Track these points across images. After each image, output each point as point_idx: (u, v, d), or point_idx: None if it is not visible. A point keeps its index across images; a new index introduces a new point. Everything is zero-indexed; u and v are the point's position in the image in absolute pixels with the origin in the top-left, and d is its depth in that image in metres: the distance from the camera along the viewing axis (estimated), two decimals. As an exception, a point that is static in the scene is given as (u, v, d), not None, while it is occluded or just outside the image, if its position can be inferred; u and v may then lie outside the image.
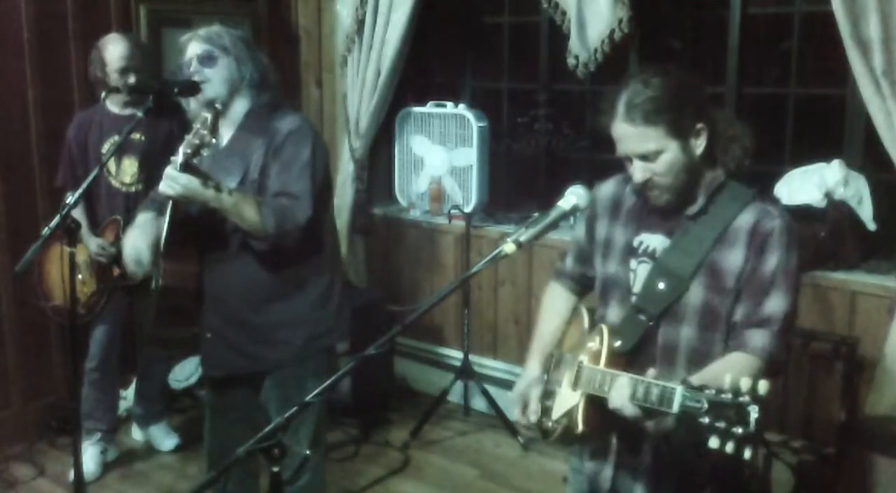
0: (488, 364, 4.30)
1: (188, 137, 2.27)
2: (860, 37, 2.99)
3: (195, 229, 2.49)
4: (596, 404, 1.86)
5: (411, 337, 4.52)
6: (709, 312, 1.86)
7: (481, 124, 4.34)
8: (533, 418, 2.02)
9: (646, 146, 1.82)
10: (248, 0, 4.65)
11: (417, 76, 4.60)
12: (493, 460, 3.89)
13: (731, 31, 3.65)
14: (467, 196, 4.39)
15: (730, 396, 1.51)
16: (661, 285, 1.88)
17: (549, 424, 2.03)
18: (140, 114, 2.60)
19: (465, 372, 4.16)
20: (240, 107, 2.53)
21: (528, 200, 4.40)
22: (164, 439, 3.92)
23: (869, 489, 2.95)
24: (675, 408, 1.59)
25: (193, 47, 2.51)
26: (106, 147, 3.50)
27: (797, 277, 1.86)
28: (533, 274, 4.14)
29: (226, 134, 2.55)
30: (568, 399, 1.94)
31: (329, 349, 2.68)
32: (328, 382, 1.71)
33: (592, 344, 1.93)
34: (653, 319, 1.89)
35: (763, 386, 1.49)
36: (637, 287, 1.95)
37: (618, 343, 1.90)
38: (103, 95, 3.52)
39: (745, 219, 1.85)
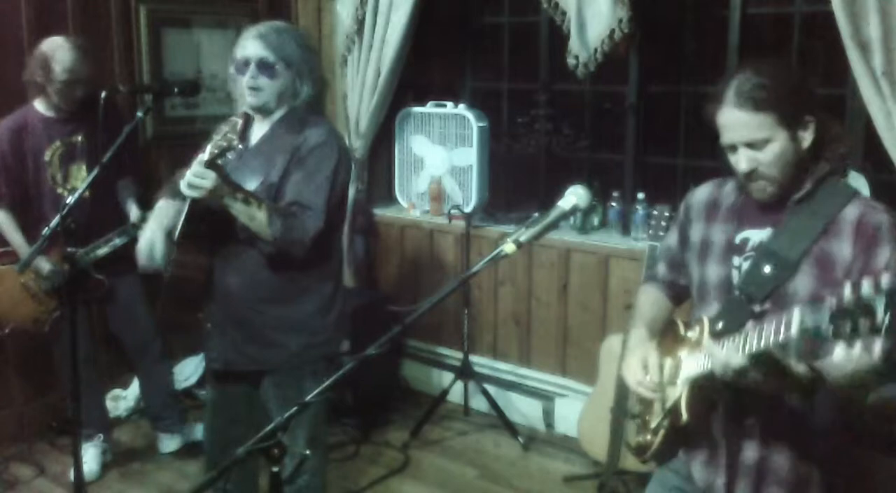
0: (488, 364, 4.30)
1: (216, 139, 2.25)
2: (860, 37, 2.98)
3: (210, 222, 2.47)
4: (698, 390, 1.84)
5: (411, 337, 4.52)
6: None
7: (481, 124, 4.33)
8: (655, 377, 1.91)
9: (754, 134, 1.80)
10: (248, 0, 4.65)
11: (417, 76, 4.60)
12: (493, 460, 3.89)
13: (731, 31, 3.65)
14: (467, 196, 4.39)
15: (851, 297, 1.43)
16: (767, 269, 1.85)
17: (648, 437, 2.00)
18: (141, 112, 2.55)
19: (465, 372, 4.16)
20: (279, 112, 2.52)
21: (528, 200, 4.40)
22: (165, 444, 3.89)
23: (869, 489, 2.95)
24: (795, 328, 1.53)
25: (255, 47, 2.45)
26: (48, 154, 3.42)
27: None
28: (533, 274, 4.14)
29: (258, 133, 2.54)
30: (669, 397, 1.91)
31: (328, 356, 2.64)
32: (328, 382, 1.71)
33: (692, 334, 1.92)
34: (757, 302, 1.86)
35: (887, 280, 1.42)
36: (739, 280, 1.92)
37: (720, 325, 1.87)
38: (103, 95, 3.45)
39: (851, 212, 1.82)
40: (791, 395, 1.85)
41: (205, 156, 2.27)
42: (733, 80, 1.82)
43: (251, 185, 2.44)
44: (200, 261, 2.53)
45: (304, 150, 2.46)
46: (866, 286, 1.43)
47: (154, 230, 2.55)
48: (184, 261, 2.49)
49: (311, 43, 2.59)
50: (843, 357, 1.45)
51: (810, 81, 1.92)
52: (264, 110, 2.51)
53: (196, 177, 2.26)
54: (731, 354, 1.69)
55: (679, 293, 2.16)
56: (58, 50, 3.31)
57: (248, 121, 2.26)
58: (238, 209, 2.34)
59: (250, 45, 2.46)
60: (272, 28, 2.50)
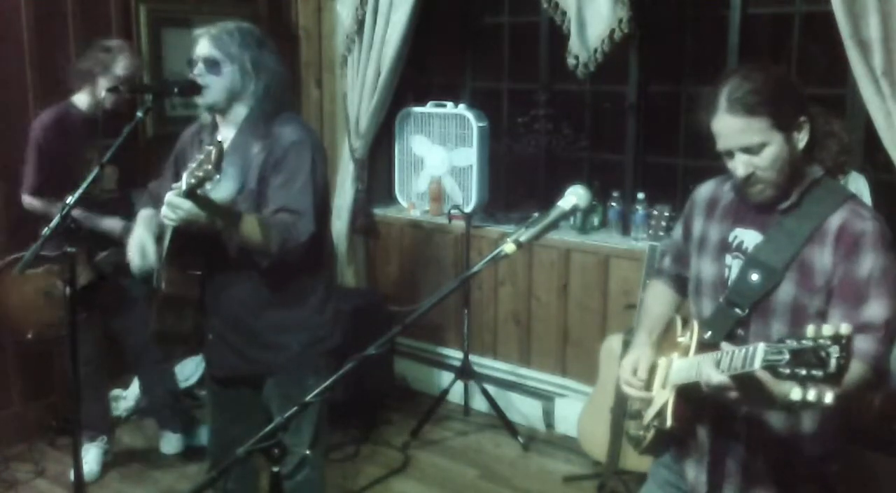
0: (488, 364, 4.30)
1: (192, 167, 2.19)
2: (860, 37, 2.98)
3: (198, 239, 2.46)
4: (685, 396, 1.86)
5: (411, 337, 4.52)
6: (798, 309, 1.83)
7: (481, 124, 4.34)
8: (642, 376, 1.97)
9: (750, 139, 1.80)
10: (249, 0, 4.65)
11: (417, 76, 4.60)
12: (493, 460, 3.89)
13: (731, 31, 3.65)
14: (467, 196, 4.39)
15: (810, 342, 1.46)
16: (754, 277, 1.86)
17: (640, 431, 2.02)
18: (141, 112, 2.55)
19: (465, 372, 4.16)
20: (240, 110, 2.50)
21: (528, 200, 4.40)
22: (167, 443, 3.90)
23: (869, 489, 2.95)
24: (758, 364, 1.55)
25: (203, 46, 2.46)
26: (89, 153, 3.42)
27: None
28: (533, 274, 4.14)
29: (227, 136, 2.52)
30: (659, 399, 1.94)
31: (329, 352, 2.65)
32: (328, 382, 1.71)
33: (682, 339, 1.94)
34: (745, 310, 1.87)
35: (846, 327, 1.44)
36: (730, 285, 1.93)
37: (707, 334, 1.89)
38: (106, 94, 3.44)
39: (836, 219, 1.81)
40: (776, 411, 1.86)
41: (182, 185, 2.20)
42: (724, 86, 1.81)
43: (229, 191, 2.39)
44: (190, 277, 2.50)
45: (277, 151, 2.43)
46: (826, 331, 1.45)
47: (142, 233, 2.56)
48: (174, 279, 2.47)
49: (262, 39, 2.55)
50: (800, 397, 1.47)
51: (799, 82, 1.91)
52: (216, 109, 2.50)
53: (172, 206, 2.21)
54: (710, 370, 1.70)
55: (684, 286, 2.17)
56: (123, 48, 3.50)
57: (221, 150, 2.14)
58: (232, 233, 2.30)
59: (199, 44, 2.47)
60: (222, 27, 2.49)
